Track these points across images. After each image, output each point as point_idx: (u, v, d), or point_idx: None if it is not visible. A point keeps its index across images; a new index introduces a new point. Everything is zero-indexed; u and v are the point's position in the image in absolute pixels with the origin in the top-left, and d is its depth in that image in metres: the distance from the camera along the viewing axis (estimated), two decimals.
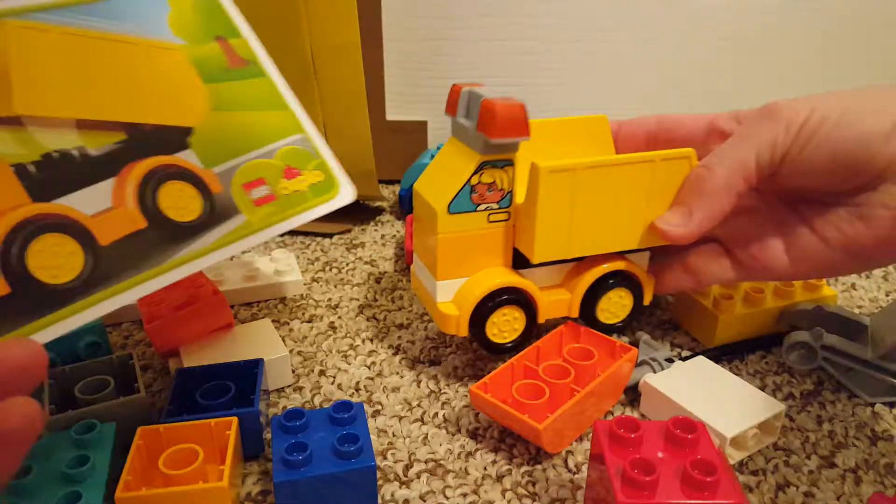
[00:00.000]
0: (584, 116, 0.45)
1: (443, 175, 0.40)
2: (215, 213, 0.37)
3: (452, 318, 0.40)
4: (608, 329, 0.43)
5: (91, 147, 0.35)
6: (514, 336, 0.42)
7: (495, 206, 0.39)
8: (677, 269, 0.42)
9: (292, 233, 0.64)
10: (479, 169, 0.37)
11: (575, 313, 0.42)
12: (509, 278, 0.40)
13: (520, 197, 0.39)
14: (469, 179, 0.37)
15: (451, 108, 0.40)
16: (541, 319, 0.42)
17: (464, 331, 0.40)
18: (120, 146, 0.35)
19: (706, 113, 0.43)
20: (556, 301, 0.41)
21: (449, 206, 0.38)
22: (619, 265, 0.42)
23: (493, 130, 0.36)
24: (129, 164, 0.35)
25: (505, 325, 0.41)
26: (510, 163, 0.38)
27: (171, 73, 0.38)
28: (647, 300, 0.44)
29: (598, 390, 0.37)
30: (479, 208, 0.39)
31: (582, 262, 0.42)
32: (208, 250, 0.35)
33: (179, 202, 0.36)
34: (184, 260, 0.35)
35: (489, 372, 0.43)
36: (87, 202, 0.33)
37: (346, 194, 0.41)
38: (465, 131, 0.39)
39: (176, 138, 0.37)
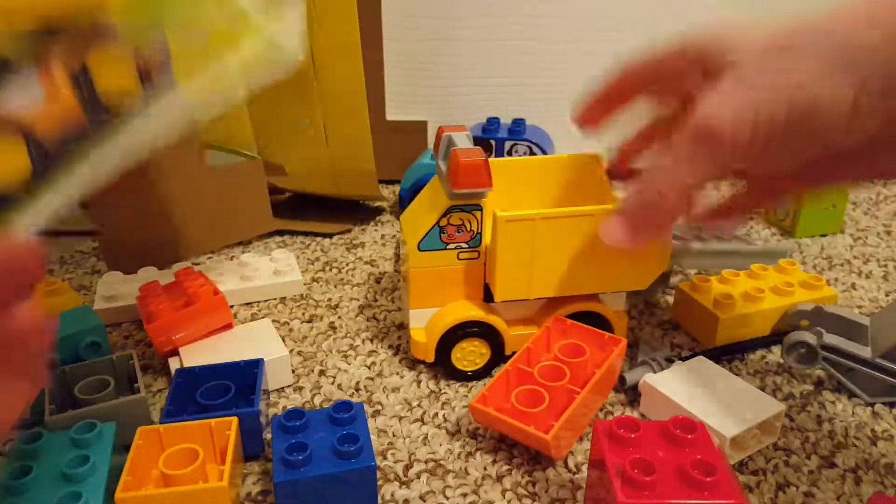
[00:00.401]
0: (577, 155, 0.46)
1: (420, 211, 0.43)
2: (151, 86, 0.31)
3: (421, 345, 0.42)
4: None
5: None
6: (478, 366, 0.43)
7: (465, 245, 0.41)
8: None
9: (292, 233, 0.64)
10: (448, 212, 0.40)
11: None
12: (475, 312, 0.42)
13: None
14: (438, 221, 0.40)
15: (436, 149, 0.43)
16: (507, 352, 0.43)
17: (431, 357, 0.42)
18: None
19: None
20: (523, 336, 0.42)
21: (419, 243, 0.41)
22: (588, 305, 0.43)
23: (456, 182, 0.39)
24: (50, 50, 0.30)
25: (470, 355, 0.43)
26: (478, 207, 0.40)
27: None
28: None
29: (594, 389, 0.37)
30: (448, 246, 0.41)
31: (554, 300, 0.43)
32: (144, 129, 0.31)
33: (114, 78, 0.31)
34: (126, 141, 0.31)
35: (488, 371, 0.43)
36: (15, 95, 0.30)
37: (287, 36, 0.33)
38: (442, 174, 0.41)
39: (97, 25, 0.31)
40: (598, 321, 0.43)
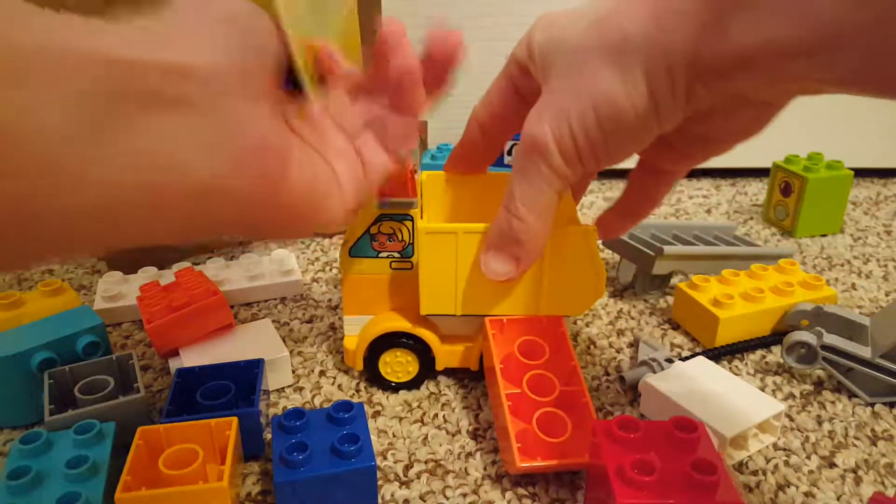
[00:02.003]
0: None
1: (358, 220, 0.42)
2: None
3: (350, 352, 0.42)
4: None
5: None
6: (407, 378, 0.42)
7: (397, 254, 0.41)
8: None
9: None
10: (378, 220, 0.40)
11: (475, 366, 0.42)
12: (403, 324, 0.41)
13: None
14: (369, 228, 0.40)
15: None
16: (439, 367, 0.42)
17: (359, 365, 0.42)
18: None
19: None
20: (456, 352, 0.42)
21: (350, 249, 0.41)
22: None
23: (381, 191, 0.37)
24: None
25: (398, 367, 0.42)
26: (409, 217, 0.40)
27: None
28: None
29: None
30: (380, 255, 0.41)
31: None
32: None
33: None
34: None
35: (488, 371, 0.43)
36: None
37: None
38: None
39: None
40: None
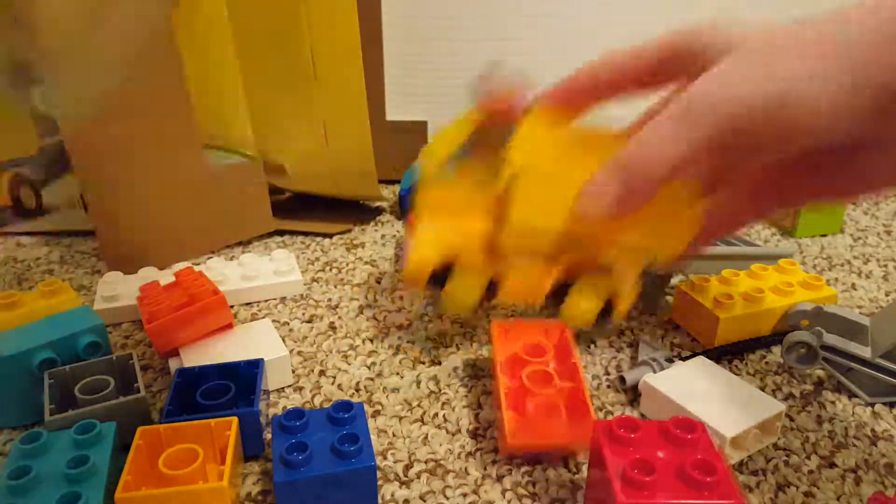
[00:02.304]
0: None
1: (444, 135, 0.41)
2: None
3: (413, 264, 0.39)
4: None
5: None
6: (471, 301, 0.39)
7: (484, 178, 0.38)
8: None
9: (292, 233, 0.64)
10: (473, 142, 0.40)
11: (539, 300, 0.39)
12: (475, 241, 0.38)
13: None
14: (462, 145, 0.40)
15: (475, 89, 0.43)
16: (501, 296, 0.39)
17: (419, 283, 0.39)
18: None
19: None
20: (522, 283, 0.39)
21: (442, 166, 0.39)
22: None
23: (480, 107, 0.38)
24: None
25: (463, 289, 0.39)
26: (503, 140, 0.37)
27: None
28: (619, 312, 0.39)
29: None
30: (469, 176, 0.39)
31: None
32: None
33: None
34: None
35: (489, 373, 0.43)
36: None
37: None
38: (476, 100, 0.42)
39: None
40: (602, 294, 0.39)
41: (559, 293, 0.39)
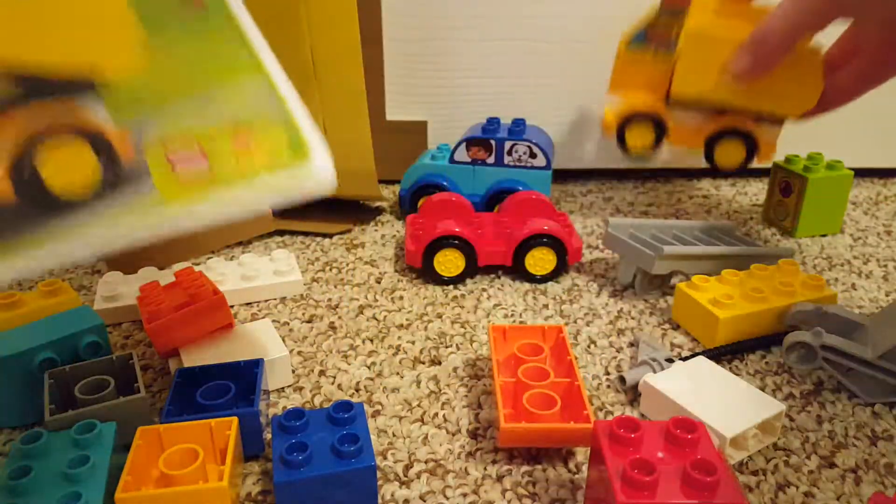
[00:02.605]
0: None
1: (635, 24, 0.57)
2: (118, 185, 0.28)
3: (607, 122, 0.58)
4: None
5: None
6: (643, 147, 0.58)
7: (662, 48, 0.56)
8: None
9: (292, 233, 0.64)
10: (656, 19, 0.56)
11: (699, 145, 0.58)
12: (652, 105, 0.57)
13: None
14: (647, 25, 0.56)
15: None
16: (671, 140, 0.58)
17: (613, 131, 0.58)
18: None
19: None
20: (689, 131, 0.58)
21: (630, 40, 0.57)
22: (744, 124, 0.56)
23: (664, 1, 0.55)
24: (8, 113, 0.26)
25: (638, 138, 0.58)
26: (679, 19, 0.54)
27: (92, 3, 0.29)
28: (761, 156, 0.58)
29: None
30: (649, 45, 0.56)
31: (718, 115, 0.56)
32: (95, 230, 0.27)
33: (69, 171, 0.27)
34: (59, 239, 0.27)
35: (488, 372, 0.43)
36: None
37: (318, 172, 0.31)
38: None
39: (81, 86, 0.28)
40: (748, 142, 0.57)
41: (713, 141, 0.57)
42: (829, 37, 0.46)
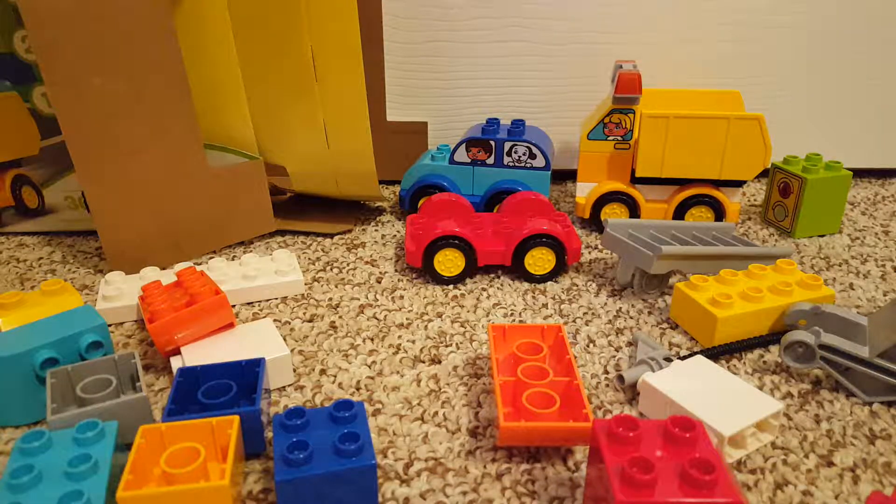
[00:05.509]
0: (718, 90, 0.67)
1: (593, 115, 0.65)
2: None
3: (581, 206, 0.65)
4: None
5: None
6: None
7: (620, 138, 0.62)
8: None
9: (293, 233, 0.65)
10: (610, 113, 0.62)
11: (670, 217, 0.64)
12: (620, 186, 0.63)
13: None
14: (603, 119, 0.62)
15: (612, 78, 0.64)
16: (642, 216, 0.64)
17: (587, 214, 0.65)
18: None
19: None
20: (657, 209, 0.64)
21: (588, 134, 0.63)
22: (709, 191, 0.62)
23: (617, 89, 0.60)
24: None
25: (613, 215, 0.64)
26: (632, 111, 0.61)
27: None
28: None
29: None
30: (608, 138, 0.63)
31: (683, 186, 0.63)
32: None
33: None
34: None
35: (488, 371, 0.44)
36: None
37: None
38: (610, 89, 0.63)
39: None
40: (714, 206, 0.62)
41: (682, 209, 0.63)
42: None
